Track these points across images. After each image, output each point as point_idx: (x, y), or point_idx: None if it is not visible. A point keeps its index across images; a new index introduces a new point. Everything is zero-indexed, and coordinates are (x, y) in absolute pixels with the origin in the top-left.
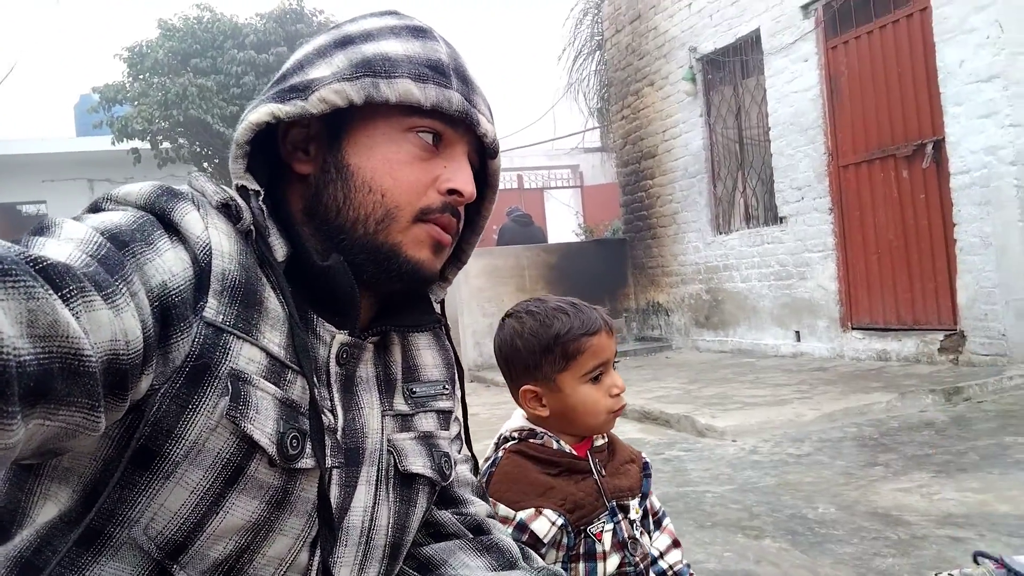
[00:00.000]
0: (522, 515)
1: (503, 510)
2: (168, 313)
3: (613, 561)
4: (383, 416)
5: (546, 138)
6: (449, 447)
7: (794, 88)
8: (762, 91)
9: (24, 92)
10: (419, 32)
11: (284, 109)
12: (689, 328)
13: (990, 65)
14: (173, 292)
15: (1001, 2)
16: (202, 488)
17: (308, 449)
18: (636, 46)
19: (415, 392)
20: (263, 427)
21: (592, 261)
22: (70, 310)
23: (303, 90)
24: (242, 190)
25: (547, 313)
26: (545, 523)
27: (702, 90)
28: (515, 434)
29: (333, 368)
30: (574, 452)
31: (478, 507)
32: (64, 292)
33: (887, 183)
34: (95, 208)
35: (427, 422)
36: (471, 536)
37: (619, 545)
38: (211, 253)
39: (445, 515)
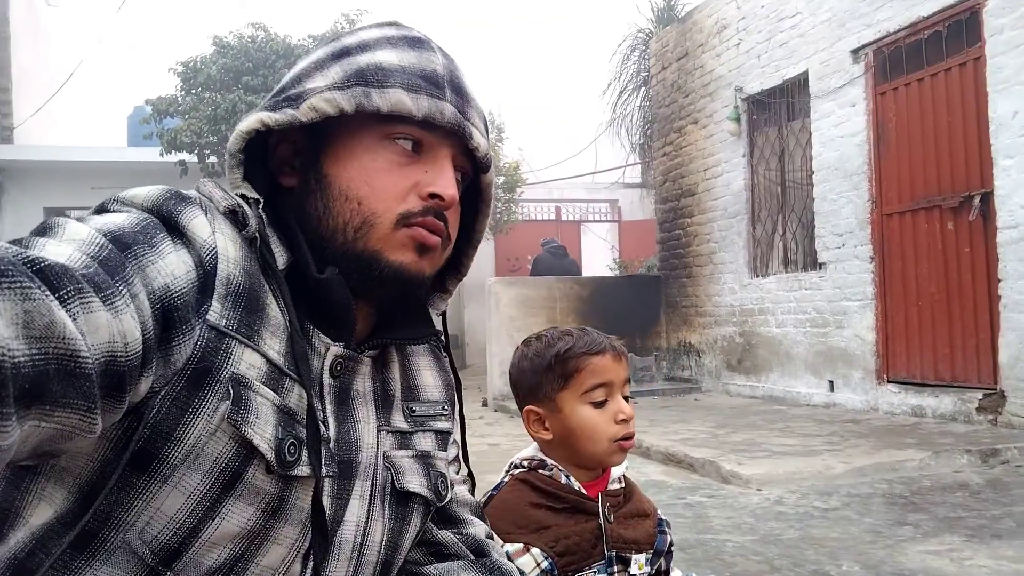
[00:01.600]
0: (510, 548)
1: None
2: (170, 316)
3: None
4: (379, 431)
5: (586, 171)
6: (446, 468)
7: (840, 133)
8: (807, 134)
9: (80, 100)
10: (416, 43)
11: (275, 117)
12: (720, 371)
13: None
14: (175, 295)
15: None
16: (199, 493)
17: (304, 457)
18: (682, 83)
19: (414, 411)
20: (263, 432)
21: (625, 297)
22: (67, 312)
23: (295, 99)
24: (243, 198)
25: (553, 335)
26: (531, 562)
27: (746, 130)
28: (525, 462)
29: (326, 380)
30: (583, 490)
31: (478, 527)
32: (61, 293)
33: (931, 234)
34: (101, 209)
35: (425, 442)
36: (472, 557)
37: None
38: (217, 257)
39: (446, 535)
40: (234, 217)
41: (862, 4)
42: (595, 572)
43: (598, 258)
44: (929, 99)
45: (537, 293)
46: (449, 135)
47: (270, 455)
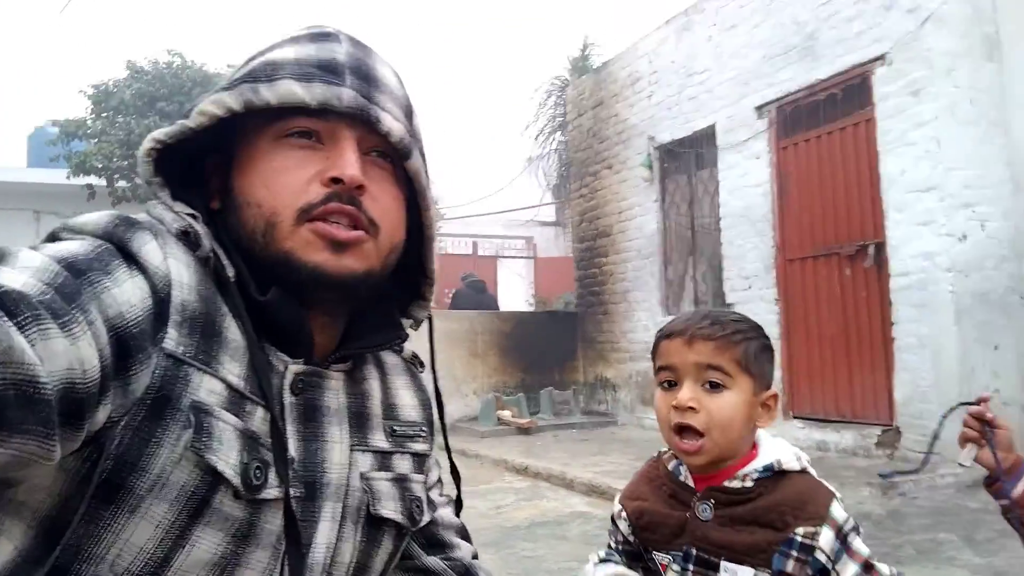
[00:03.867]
0: (617, 507)
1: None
2: (126, 344)
3: None
4: (352, 450)
5: (503, 208)
6: (422, 491)
7: (746, 183)
8: (715, 183)
9: None
10: (320, 36)
11: (167, 131)
12: (635, 405)
13: (928, 177)
14: (131, 323)
15: (939, 120)
16: (167, 522)
17: (271, 479)
18: (597, 130)
19: (395, 431)
20: (227, 458)
21: (544, 332)
22: (25, 338)
23: (189, 111)
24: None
25: None
26: (624, 522)
27: (658, 177)
28: None
29: (287, 398)
30: (687, 482)
31: (464, 550)
32: (19, 320)
33: (831, 279)
34: (52, 238)
35: (403, 464)
36: None
37: None
38: (171, 284)
39: (435, 561)
40: (186, 238)
41: (765, 65)
42: (673, 560)
43: (515, 293)
44: (827, 154)
45: (460, 326)
46: (354, 121)
47: (236, 480)
